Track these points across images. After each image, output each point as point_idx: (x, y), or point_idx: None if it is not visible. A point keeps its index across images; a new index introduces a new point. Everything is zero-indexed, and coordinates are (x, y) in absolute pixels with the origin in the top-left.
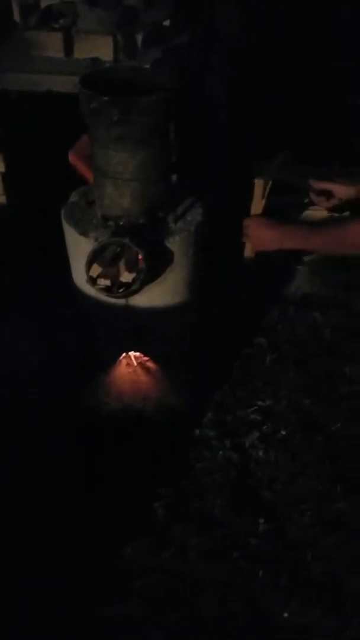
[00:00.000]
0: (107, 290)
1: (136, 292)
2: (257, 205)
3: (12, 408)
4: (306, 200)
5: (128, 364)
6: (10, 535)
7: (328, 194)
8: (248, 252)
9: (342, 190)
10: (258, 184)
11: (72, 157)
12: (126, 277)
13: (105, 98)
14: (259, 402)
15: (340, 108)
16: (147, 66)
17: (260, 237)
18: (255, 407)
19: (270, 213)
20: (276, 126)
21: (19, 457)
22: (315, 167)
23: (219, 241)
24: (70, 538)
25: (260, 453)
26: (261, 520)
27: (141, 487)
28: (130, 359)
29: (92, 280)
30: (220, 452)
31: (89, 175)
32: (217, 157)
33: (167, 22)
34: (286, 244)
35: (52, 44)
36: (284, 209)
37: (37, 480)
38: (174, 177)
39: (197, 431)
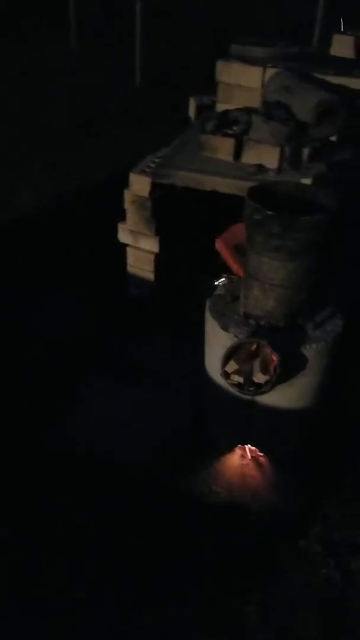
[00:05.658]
0: (239, 386)
1: (266, 392)
2: None
3: (112, 476)
4: None
5: (242, 456)
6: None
7: None
8: None
9: None
10: None
11: (219, 244)
12: (259, 377)
13: (269, 213)
14: None
15: None
16: (310, 179)
17: None
18: None
19: None
20: None
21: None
22: None
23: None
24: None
25: None
26: None
27: (233, 585)
28: (245, 452)
29: (226, 375)
30: (323, 570)
31: (231, 263)
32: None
33: (334, 138)
34: None
35: (223, 148)
36: None
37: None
38: (318, 287)
39: (302, 542)
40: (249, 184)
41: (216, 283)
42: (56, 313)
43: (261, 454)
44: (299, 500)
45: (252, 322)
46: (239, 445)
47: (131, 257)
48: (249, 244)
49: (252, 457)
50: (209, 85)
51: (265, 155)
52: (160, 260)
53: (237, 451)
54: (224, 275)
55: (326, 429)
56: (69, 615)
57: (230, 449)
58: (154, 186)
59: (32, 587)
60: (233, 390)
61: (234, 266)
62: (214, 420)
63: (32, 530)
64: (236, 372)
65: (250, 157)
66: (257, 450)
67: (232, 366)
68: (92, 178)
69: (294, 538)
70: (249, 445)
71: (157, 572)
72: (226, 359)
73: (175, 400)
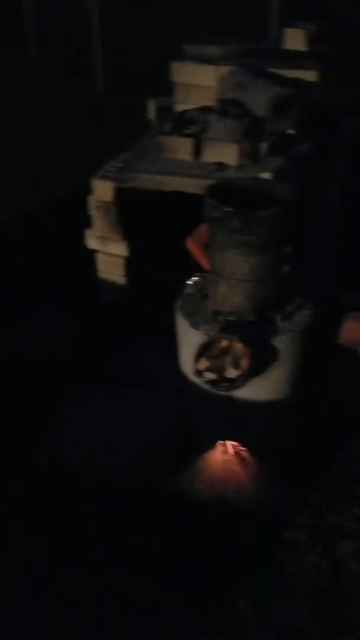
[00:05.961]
0: (212, 383)
1: (239, 387)
2: None
3: (102, 481)
4: None
5: (224, 452)
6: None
7: None
8: None
9: None
10: None
11: (190, 244)
12: (231, 373)
13: (228, 209)
14: (356, 509)
15: None
16: (269, 173)
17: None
18: (350, 514)
19: None
20: None
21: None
22: None
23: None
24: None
25: (354, 565)
26: None
27: (225, 580)
28: (227, 447)
29: (199, 373)
30: (311, 558)
31: (203, 262)
32: (327, 261)
33: (291, 131)
34: None
35: (182, 148)
36: None
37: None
38: (284, 279)
39: (288, 532)
40: (209, 182)
41: (189, 282)
42: (40, 322)
43: (243, 448)
44: (283, 492)
45: (221, 318)
46: (220, 442)
47: (101, 262)
48: (212, 241)
49: (234, 452)
50: (170, 87)
51: (224, 153)
52: (130, 264)
53: (219, 447)
54: (197, 274)
55: (308, 422)
56: (69, 615)
57: (210, 445)
58: (118, 191)
59: (32, 587)
60: (208, 388)
61: (205, 264)
62: (196, 419)
63: (32, 530)
64: (208, 369)
65: (210, 155)
66: (238, 445)
67: (203, 363)
68: (63, 188)
69: (280, 529)
70: (230, 441)
71: (157, 572)
72: (197, 357)
73: (168, 402)
